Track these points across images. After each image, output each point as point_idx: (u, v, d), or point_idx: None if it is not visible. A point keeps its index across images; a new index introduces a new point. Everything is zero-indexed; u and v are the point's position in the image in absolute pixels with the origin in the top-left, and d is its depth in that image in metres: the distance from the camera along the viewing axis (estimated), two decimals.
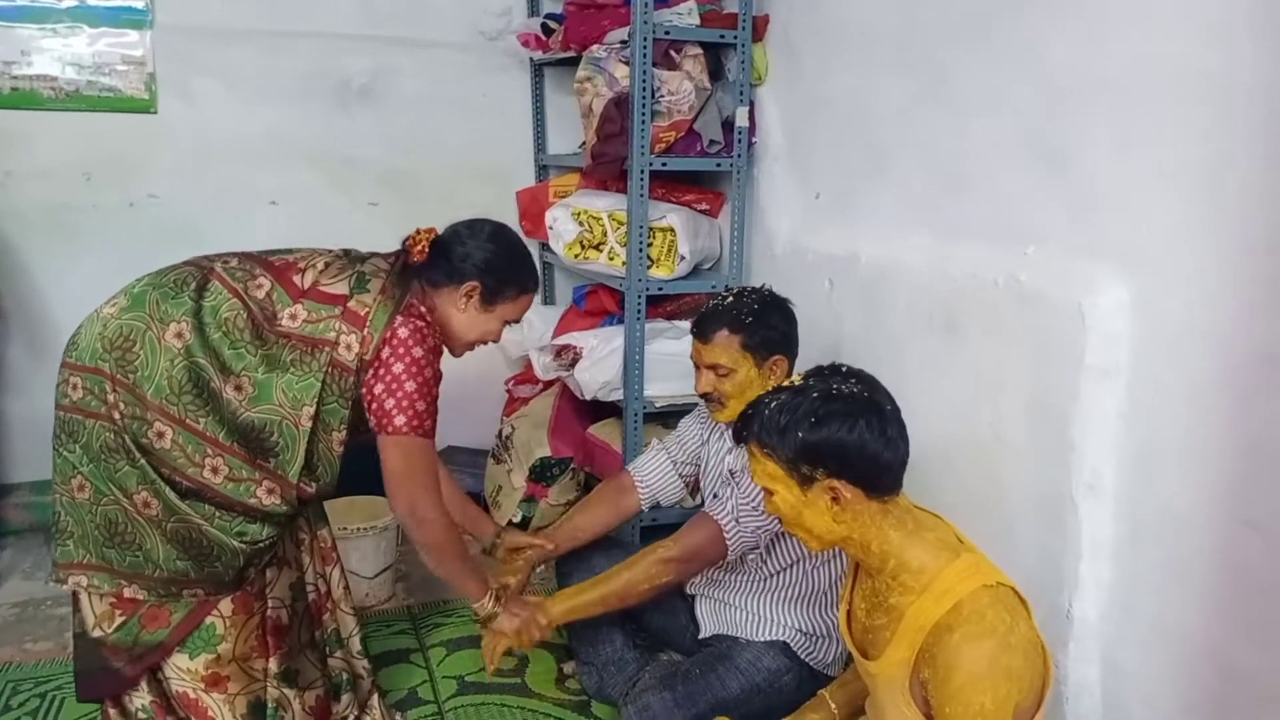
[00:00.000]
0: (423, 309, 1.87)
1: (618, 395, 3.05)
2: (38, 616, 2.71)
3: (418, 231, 1.93)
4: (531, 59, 3.67)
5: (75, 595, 1.84)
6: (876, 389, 1.56)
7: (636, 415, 2.99)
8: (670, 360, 3.03)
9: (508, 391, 3.78)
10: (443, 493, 1.96)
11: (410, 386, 1.79)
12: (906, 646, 1.48)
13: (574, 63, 3.41)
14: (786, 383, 1.55)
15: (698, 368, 2.15)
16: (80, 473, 1.76)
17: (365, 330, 1.79)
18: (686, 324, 3.18)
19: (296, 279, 1.84)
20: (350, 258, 1.92)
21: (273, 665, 1.89)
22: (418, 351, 1.80)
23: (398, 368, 1.79)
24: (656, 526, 3.11)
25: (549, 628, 2.05)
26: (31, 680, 2.39)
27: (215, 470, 1.75)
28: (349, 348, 1.79)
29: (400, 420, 1.79)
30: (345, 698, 2.06)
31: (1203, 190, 1.67)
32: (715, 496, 2.20)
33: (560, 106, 3.81)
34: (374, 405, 1.80)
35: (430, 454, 1.89)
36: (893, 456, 1.49)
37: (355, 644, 2.10)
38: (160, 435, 1.73)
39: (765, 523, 1.98)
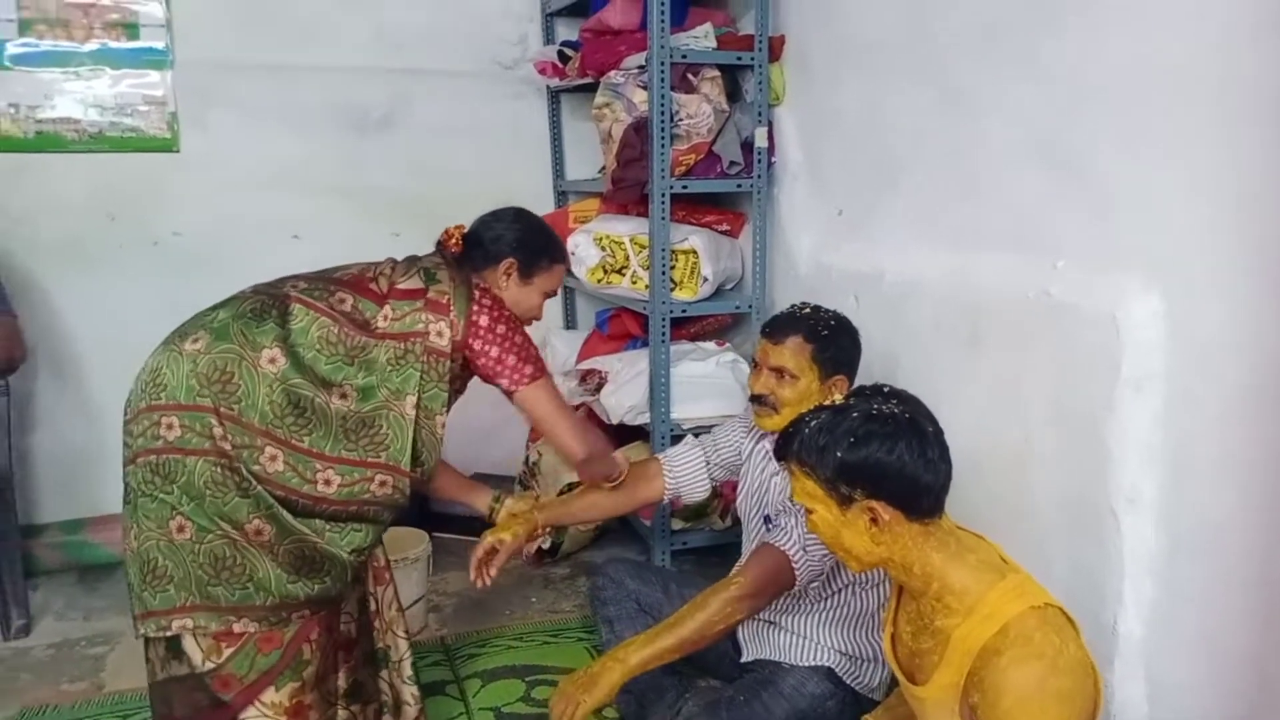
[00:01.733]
0: (486, 285, 2.03)
1: (644, 419, 3.04)
2: (72, 657, 2.71)
3: (448, 229, 2.09)
4: (549, 86, 3.69)
5: (150, 641, 1.84)
6: (919, 410, 1.54)
7: (664, 438, 2.98)
8: (696, 382, 3.02)
9: None
10: (438, 470, 2.05)
11: (519, 339, 1.99)
12: (954, 670, 1.46)
13: (591, 89, 3.43)
14: (832, 401, 1.54)
15: (758, 367, 2.14)
16: (180, 513, 1.78)
17: (451, 314, 1.92)
18: (711, 345, 3.19)
19: (373, 287, 1.94)
20: (406, 260, 2.04)
21: (341, 680, 1.95)
22: (501, 329, 1.96)
23: (502, 329, 1.96)
24: (688, 550, 3.12)
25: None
26: None
27: (328, 482, 1.83)
28: (440, 334, 1.91)
29: (530, 369, 1.99)
30: (386, 719, 2.07)
31: (1232, 197, 1.66)
32: (767, 520, 2.18)
33: (578, 132, 3.83)
34: (498, 367, 1.97)
35: (559, 391, 2.14)
36: (933, 479, 1.47)
37: (406, 669, 2.10)
38: (272, 459, 1.79)
39: (830, 551, 1.96)
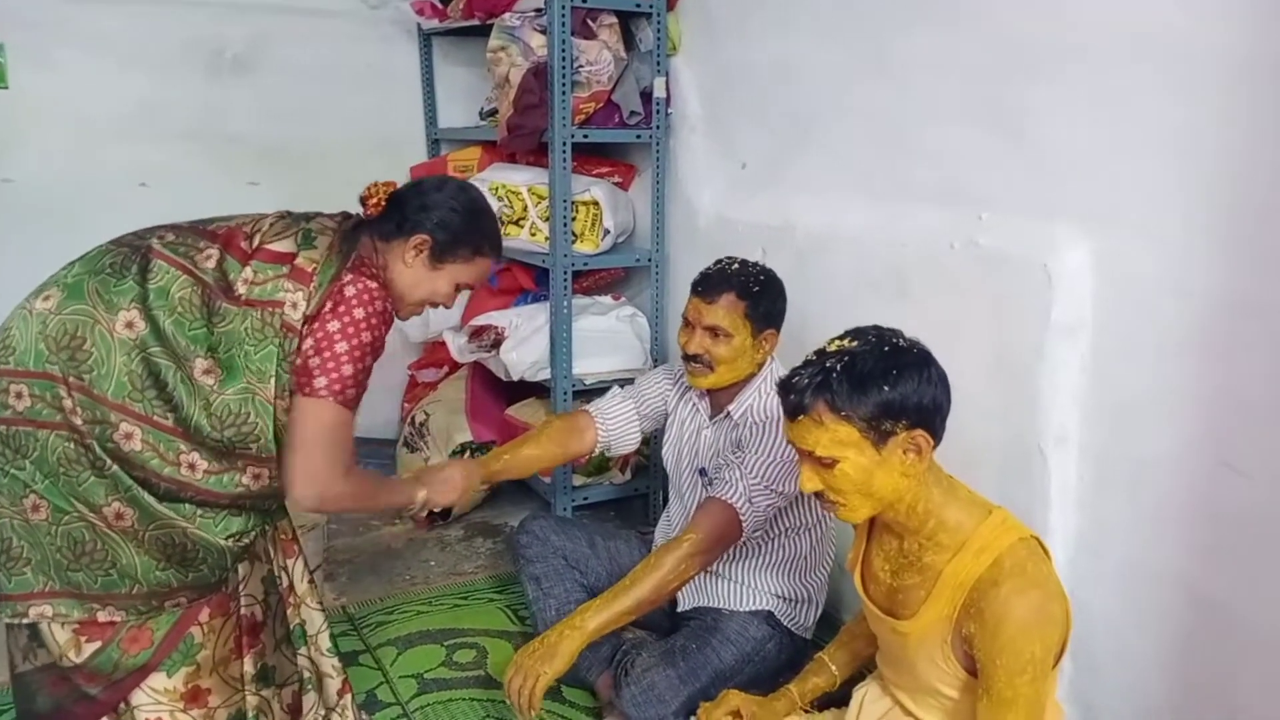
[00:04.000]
0: (375, 269, 1.73)
1: (545, 374, 2.98)
2: None
3: (375, 184, 1.80)
4: (420, 28, 3.52)
5: (10, 629, 1.63)
6: (917, 341, 1.57)
7: (566, 394, 2.94)
8: (596, 337, 2.99)
9: (410, 377, 3.64)
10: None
11: (341, 348, 1.63)
12: (945, 603, 1.51)
13: (469, 33, 3.31)
14: (833, 347, 1.52)
15: (690, 325, 2.11)
16: (34, 490, 1.56)
17: (310, 286, 1.64)
18: (608, 299, 3.16)
19: (243, 244, 1.68)
20: (295, 216, 1.77)
21: (248, 665, 1.76)
22: (359, 313, 1.65)
23: (333, 325, 1.63)
24: (588, 504, 3.10)
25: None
26: None
27: (193, 466, 1.60)
28: (295, 306, 1.63)
29: (321, 382, 1.62)
30: (310, 698, 1.93)
31: (1163, 147, 1.76)
32: (702, 473, 2.19)
33: (451, 77, 3.69)
34: (299, 360, 1.63)
35: (347, 428, 1.71)
36: (948, 403, 1.52)
37: (324, 640, 1.96)
38: (128, 436, 1.56)
39: (774, 500, 1.98)
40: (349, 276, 1.67)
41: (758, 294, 2.10)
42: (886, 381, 1.45)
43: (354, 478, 1.76)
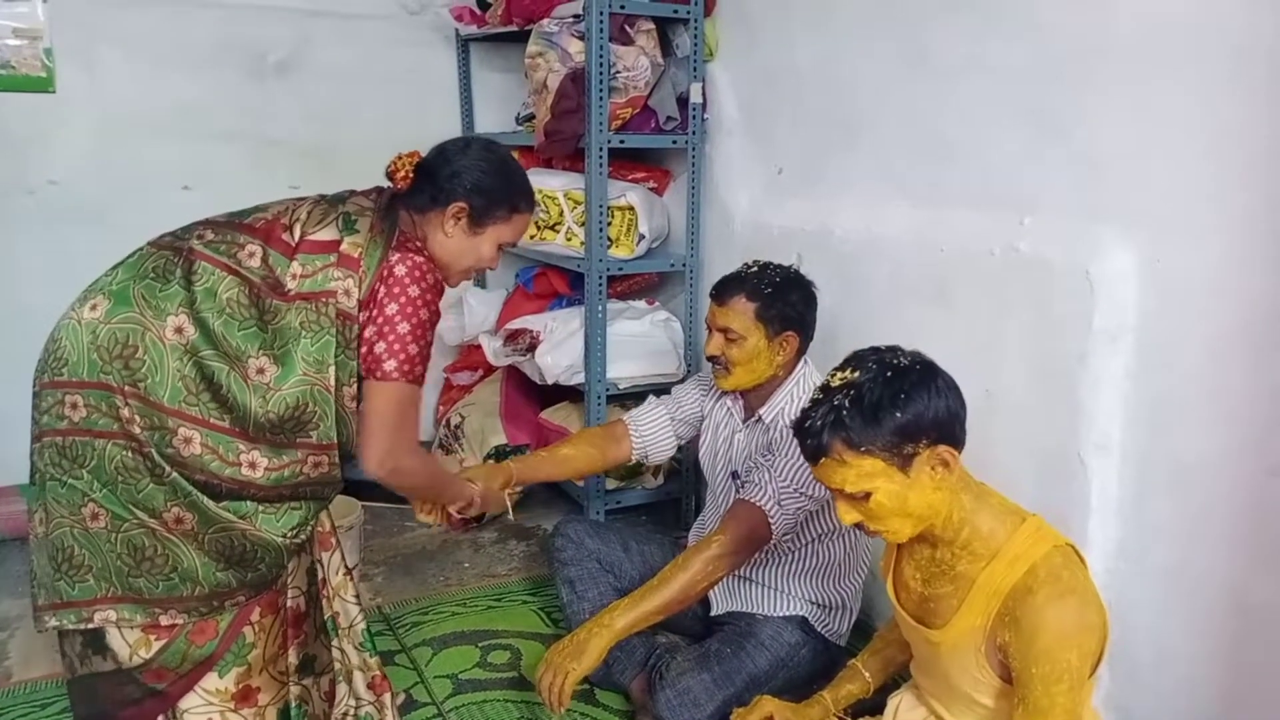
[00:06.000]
0: (416, 243, 1.74)
1: (580, 378, 2.99)
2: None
3: (400, 156, 1.79)
4: (458, 33, 3.55)
5: (64, 634, 1.66)
6: (918, 355, 1.56)
7: (600, 398, 2.94)
8: (631, 341, 2.99)
9: (446, 380, 3.66)
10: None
11: (403, 329, 1.66)
12: (978, 613, 1.50)
13: (507, 39, 3.33)
14: (837, 381, 1.50)
15: (710, 330, 2.15)
16: (92, 499, 1.58)
17: (359, 272, 1.65)
18: (643, 304, 3.16)
19: (285, 236, 1.68)
20: (330, 200, 1.77)
21: (292, 657, 1.78)
22: (414, 290, 1.67)
23: (391, 308, 1.65)
24: (622, 509, 3.11)
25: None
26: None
27: (254, 465, 1.61)
28: (348, 293, 1.64)
29: (390, 365, 1.65)
30: (342, 687, 1.94)
31: (1206, 150, 1.73)
32: (735, 476, 2.18)
33: (488, 82, 3.71)
34: (363, 347, 1.66)
35: (417, 404, 1.75)
36: (962, 408, 1.51)
37: (358, 634, 1.97)
38: (188, 441, 1.58)
39: (804, 503, 1.98)
40: (396, 256, 1.68)
41: (770, 295, 2.10)
42: (897, 406, 1.44)
43: (422, 453, 1.86)
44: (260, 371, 1.61)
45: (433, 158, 1.82)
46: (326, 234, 1.68)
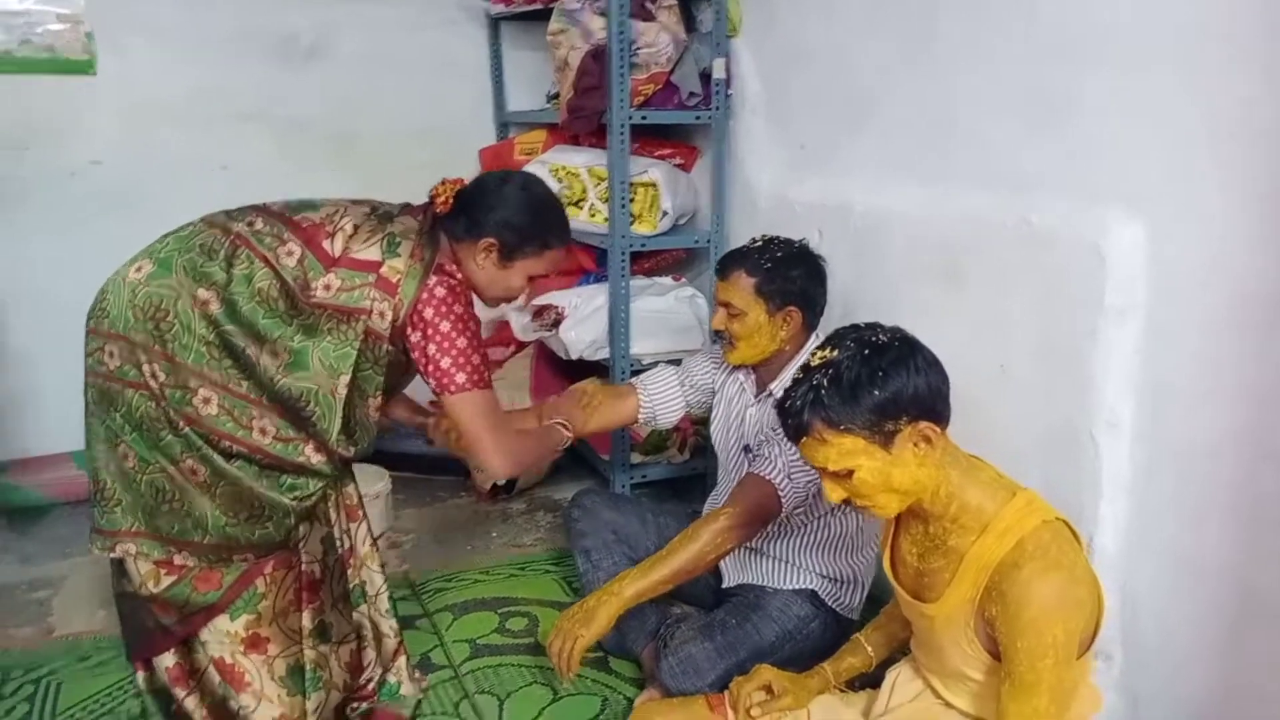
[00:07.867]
0: (452, 266, 1.85)
1: (604, 354, 3.03)
2: (15, 602, 2.60)
3: (444, 181, 1.91)
4: (489, 13, 3.58)
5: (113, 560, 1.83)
6: (897, 331, 1.56)
7: (624, 373, 2.97)
8: (655, 317, 3.02)
9: None
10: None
11: (462, 343, 1.80)
12: (969, 586, 1.51)
13: (534, 17, 3.35)
14: (816, 359, 1.50)
15: (716, 305, 2.18)
16: (124, 441, 1.74)
17: (396, 297, 1.77)
18: (668, 280, 3.18)
19: (327, 245, 1.79)
20: (380, 216, 1.87)
21: (306, 620, 1.89)
22: (459, 308, 1.81)
23: (445, 326, 1.79)
24: (646, 483, 3.14)
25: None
26: (21, 668, 2.29)
27: (264, 431, 1.75)
28: (382, 315, 1.77)
29: (462, 378, 1.80)
30: (369, 654, 2.07)
31: (1214, 129, 1.71)
32: (747, 449, 2.20)
33: (518, 62, 3.73)
34: (430, 367, 1.81)
35: (496, 401, 1.93)
36: (944, 383, 1.51)
37: (383, 602, 2.08)
38: (206, 401, 1.72)
39: (814, 477, 1.99)
40: (434, 279, 1.79)
41: (769, 270, 2.11)
42: (875, 384, 1.44)
43: (522, 436, 2.05)
44: (274, 355, 1.73)
45: (471, 189, 1.93)
46: (370, 254, 1.79)
